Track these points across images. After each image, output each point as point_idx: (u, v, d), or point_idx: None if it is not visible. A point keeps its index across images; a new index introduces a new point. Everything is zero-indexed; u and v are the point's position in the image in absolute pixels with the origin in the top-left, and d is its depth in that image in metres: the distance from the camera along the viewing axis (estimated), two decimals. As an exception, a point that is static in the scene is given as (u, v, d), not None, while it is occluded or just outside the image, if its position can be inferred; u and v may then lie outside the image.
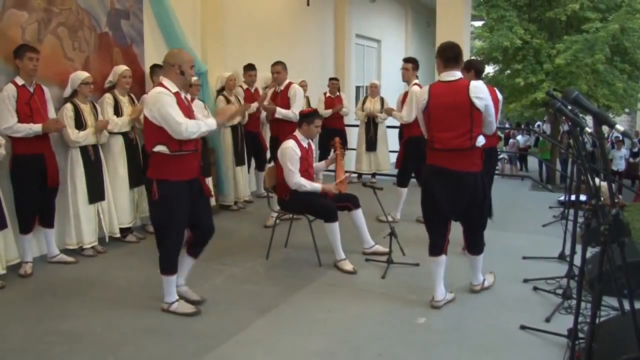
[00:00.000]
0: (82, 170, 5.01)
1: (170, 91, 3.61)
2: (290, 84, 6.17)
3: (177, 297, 3.88)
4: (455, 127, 3.72)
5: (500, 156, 14.39)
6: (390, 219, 5.74)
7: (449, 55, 3.80)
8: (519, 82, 14.82)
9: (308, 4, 9.33)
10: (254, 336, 3.55)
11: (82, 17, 5.38)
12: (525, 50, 15.13)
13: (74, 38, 5.30)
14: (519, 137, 18.89)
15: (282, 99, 6.12)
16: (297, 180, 4.73)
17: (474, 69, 4.98)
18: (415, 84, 6.06)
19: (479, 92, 3.70)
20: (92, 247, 5.14)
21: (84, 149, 5.02)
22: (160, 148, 3.61)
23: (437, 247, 3.96)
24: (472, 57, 5.73)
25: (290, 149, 4.78)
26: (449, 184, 3.80)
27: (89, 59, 5.45)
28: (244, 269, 4.80)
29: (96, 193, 5.13)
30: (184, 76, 3.71)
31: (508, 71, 16.26)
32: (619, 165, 15.58)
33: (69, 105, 4.92)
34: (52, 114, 4.78)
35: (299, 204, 4.83)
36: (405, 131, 6.22)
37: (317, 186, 4.82)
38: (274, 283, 4.49)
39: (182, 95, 3.76)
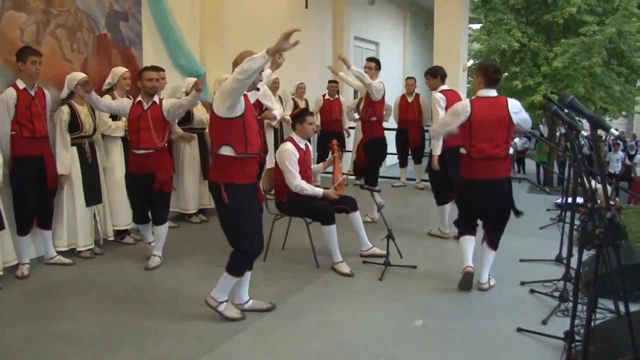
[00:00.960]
0: (80, 173, 5.02)
1: None
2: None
3: (227, 298, 3.80)
4: (494, 139, 4.18)
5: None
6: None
7: (492, 77, 4.23)
8: (516, 84, 14.85)
9: (307, 6, 9.35)
10: (252, 338, 3.56)
11: (81, 18, 5.39)
12: (522, 53, 15.15)
13: (73, 40, 5.30)
14: (517, 140, 18.91)
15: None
16: (298, 183, 4.74)
17: (440, 75, 5.69)
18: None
19: (515, 107, 4.22)
20: (89, 249, 5.14)
21: (81, 151, 5.02)
22: (225, 150, 3.54)
23: (472, 229, 4.49)
24: (437, 65, 6.04)
25: (288, 151, 4.79)
26: (488, 192, 4.27)
27: (87, 60, 5.45)
28: (242, 271, 4.80)
29: (93, 195, 5.13)
30: None
31: (506, 74, 16.25)
32: (616, 167, 15.60)
33: (65, 108, 4.91)
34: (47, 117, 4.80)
35: (296, 206, 4.84)
36: (367, 132, 6.30)
37: (318, 191, 4.83)
38: (271, 285, 4.50)
39: (249, 98, 3.69)
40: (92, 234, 5.16)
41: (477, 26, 17.03)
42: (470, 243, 4.45)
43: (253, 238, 3.67)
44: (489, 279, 4.47)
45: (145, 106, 4.81)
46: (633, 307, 3.75)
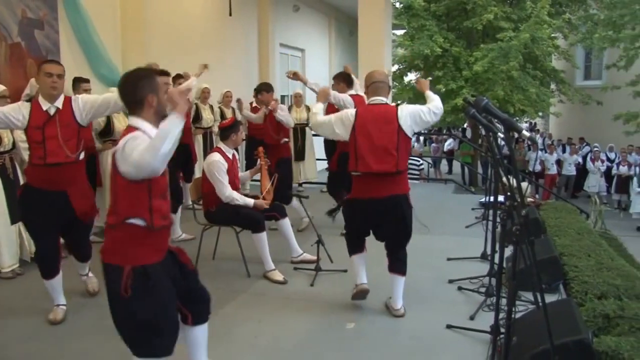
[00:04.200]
0: (2, 190, 4.74)
1: None
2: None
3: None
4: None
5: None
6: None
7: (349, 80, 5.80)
8: (440, 88, 15.32)
9: (230, 14, 9.29)
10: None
11: (-9, 27, 5.15)
12: (445, 58, 15.65)
13: (-18, 49, 5.06)
14: (449, 141, 19.54)
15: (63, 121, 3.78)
16: (230, 194, 4.69)
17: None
18: None
19: None
20: (11, 270, 4.87)
21: (1, 167, 4.76)
22: None
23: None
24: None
25: (217, 162, 4.73)
26: None
27: (-1, 71, 5.20)
28: (172, 284, 4.70)
29: (17, 213, 4.86)
30: None
31: (430, 78, 16.74)
32: (535, 166, 16.31)
33: None
34: None
35: (225, 216, 4.78)
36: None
37: (249, 201, 4.79)
38: (203, 296, 4.42)
39: None
40: (18, 253, 4.90)
41: (400, 32, 17.45)
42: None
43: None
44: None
45: (52, 110, 3.70)
46: (552, 298, 3.96)
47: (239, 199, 4.73)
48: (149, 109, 2.56)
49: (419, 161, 14.16)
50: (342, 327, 3.81)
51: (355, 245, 4.10)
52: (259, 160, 5.15)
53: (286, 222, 5.02)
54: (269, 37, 10.85)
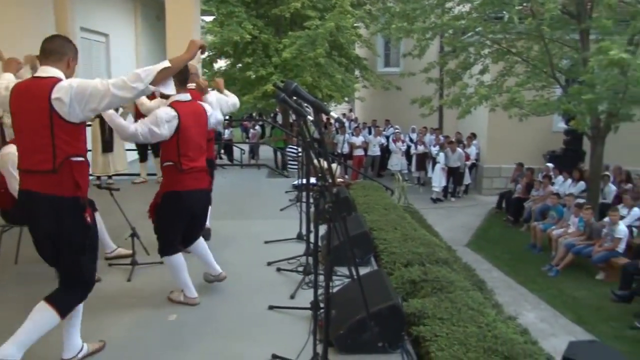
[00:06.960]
0: None
1: None
2: None
3: None
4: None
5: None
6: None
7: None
8: (250, 75, 15.48)
9: (20, -8, 8.43)
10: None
11: None
12: (254, 45, 15.81)
13: None
14: (257, 127, 19.83)
15: None
16: (16, 187, 4.29)
17: None
18: None
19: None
20: None
21: None
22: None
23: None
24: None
25: (11, 154, 4.29)
26: None
27: None
28: (-35, 295, 4.21)
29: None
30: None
31: (240, 65, 16.83)
32: (344, 148, 17.24)
33: None
34: None
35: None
36: None
37: None
38: (5, 307, 4.00)
39: None
40: None
41: (209, 18, 17.25)
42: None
43: None
44: None
45: None
46: (364, 270, 4.25)
47: None
48: None
49: (297, 149, 14.01)
50: (164, 319, 3.73)
51: (175, 244, 3.93)
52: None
53: (97, 217, 4.73)
54: (68, 21, 10.02)
